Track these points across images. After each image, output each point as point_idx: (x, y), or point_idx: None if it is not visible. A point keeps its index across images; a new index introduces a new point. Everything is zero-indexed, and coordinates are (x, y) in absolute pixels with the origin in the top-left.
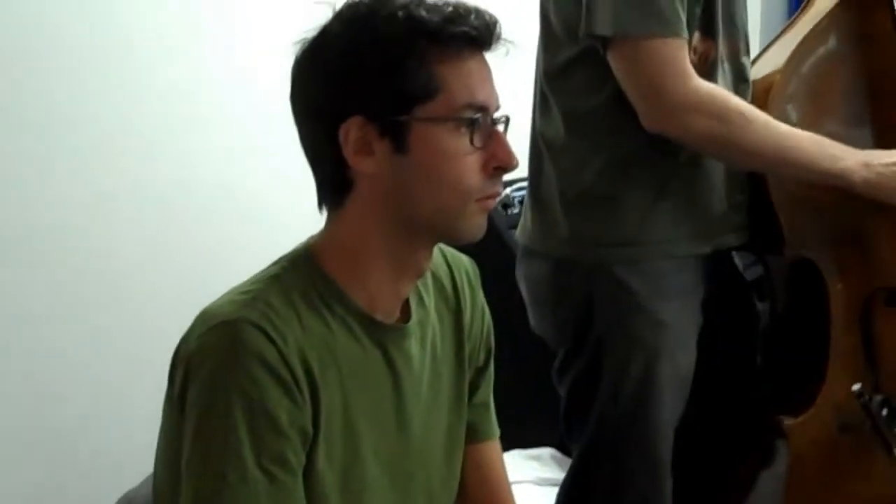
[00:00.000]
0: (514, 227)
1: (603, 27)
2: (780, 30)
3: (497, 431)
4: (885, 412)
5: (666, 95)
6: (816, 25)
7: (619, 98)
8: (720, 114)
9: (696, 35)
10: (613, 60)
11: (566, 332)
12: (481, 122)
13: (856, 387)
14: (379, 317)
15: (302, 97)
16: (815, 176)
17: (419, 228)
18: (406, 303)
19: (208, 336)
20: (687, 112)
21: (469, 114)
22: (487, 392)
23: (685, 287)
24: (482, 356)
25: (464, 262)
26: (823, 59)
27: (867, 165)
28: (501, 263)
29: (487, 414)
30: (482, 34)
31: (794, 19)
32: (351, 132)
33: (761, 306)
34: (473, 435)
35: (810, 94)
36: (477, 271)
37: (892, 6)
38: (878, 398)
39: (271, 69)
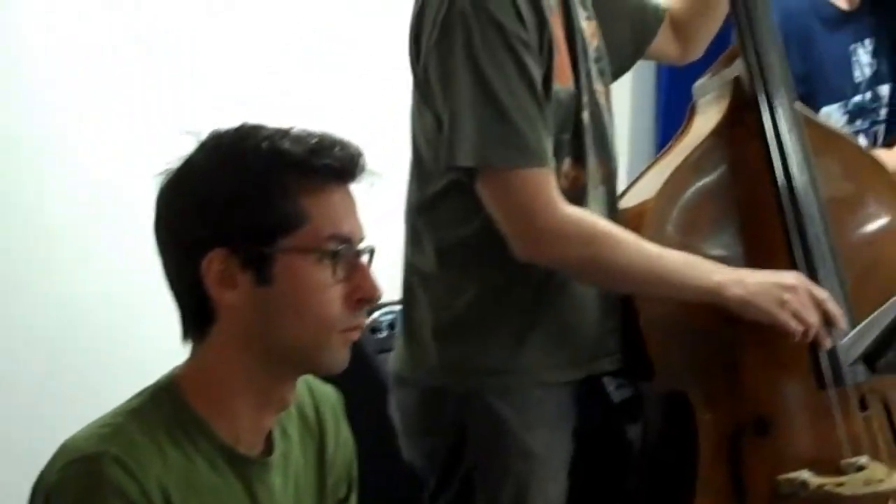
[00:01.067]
0: (383, 351)
1: (465, 159)
2: (648, 155)
3: None
4: None
5: (535, 224)
6: (690, 154)
7: (490, 228)
8: (589, 238)
9: (567, 161)
10: (481, 191)
11: (437, 461)
12: (345, 254)
13: None
14: (242, 449)
15: (165, 227)
16: (688, 293)
17: (283, 360)
18: (269, 434)
19: (68, 470)
20: (557, 239)
21: (333, 245)
22: None
23: (557, 415)
24: (344, 489)
25: (329, 394)
26: (697, 188)
27: (740, 282)
28: (370, 388)
29: None
30: (347, 166)
31: (669, 147)
32: (214, 264)
33: (632, 430)
34: None
35: (683, 222)
36: (342, 403)
37: (766, 137)
38: None
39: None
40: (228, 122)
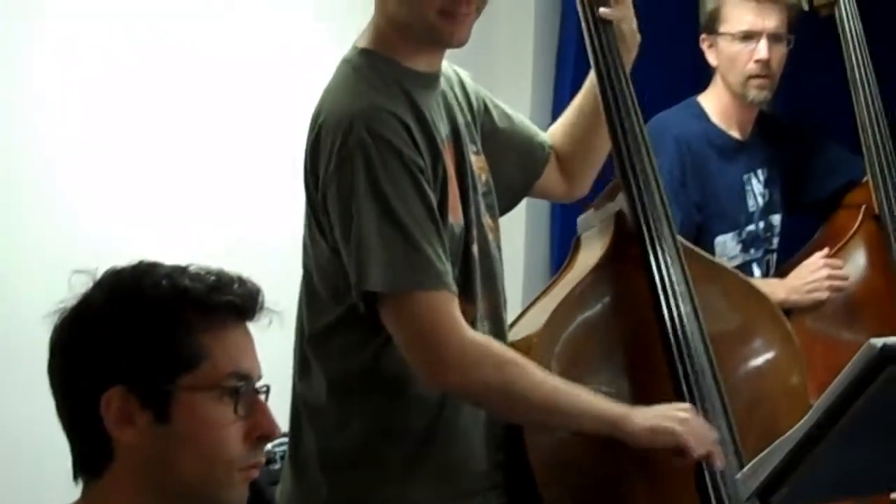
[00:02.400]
0: (276, 482)
1: (375, 284)
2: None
3: None
4: None
5: (442, 348)
6: (574, 289)
7: (381, 360)
8: (497, 363)
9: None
10: (386, 317)
11: None
12: (245, 392)
13: None
14: None
15: (61, 366)
16: (589, 423)
17: (181, 499)
18: None
19: None
20: (465, 363)
21: (233, 383)
22: None
23: None
24: None
25: None
26: (580, 322)
27: (641, 413)
28: None
29: None
30: (246, 304)
31: (555, 281)
32: (112, 402)
33: None
34: None
35: (568, 356)
36: None
37: (649, 270)
38: None
39: None
40: None
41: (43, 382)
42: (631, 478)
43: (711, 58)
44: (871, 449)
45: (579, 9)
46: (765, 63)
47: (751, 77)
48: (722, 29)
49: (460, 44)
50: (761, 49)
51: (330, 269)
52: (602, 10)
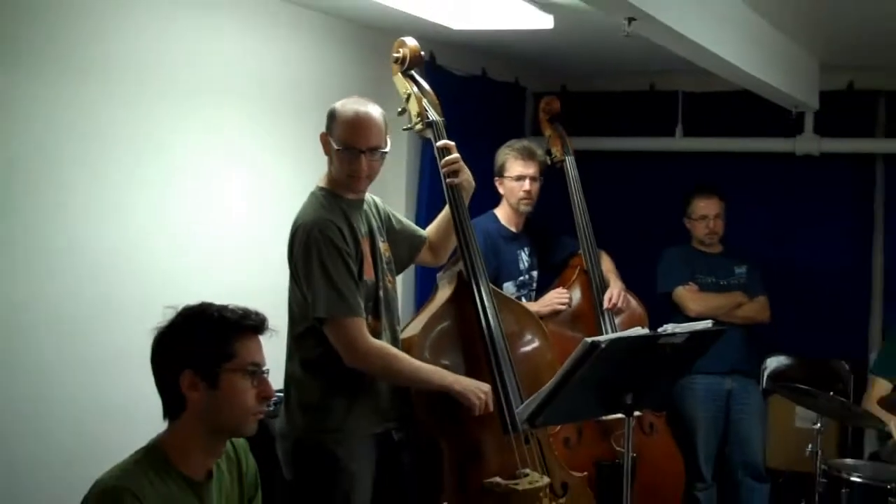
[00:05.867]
0: (273, 416)
1: (320, 312)
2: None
3: None
4: None
5: (356, 349)
6: (435, 312)
7: (328, 352)
8: (385, 356)
9: (370, 317)
10: (326, 330)
11: (301, 478)
12: (257, 373)
13: None
14: (196, 478)
15: (159, 359)
16: (435, 386)
17: (222, 431)
18: (211, 469)
19: (98, 499)
20: (368, 356)
21: (251, 368)
22: None
23: (368, 452)
24: (253, 491)
25: (242, 441)
26: (438, 331)
27: (459, 381)
28: (266, 437)
29: None
30: (259, 325)
31: (422, 308)
32: (185, 378)
33: (407, 457)
34: None
35: (432, 349)
36: (248, 446)
37: (476, 302)
38: None
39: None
40: None
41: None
42: (463, 409)
43: (501, 189)
44: (585, 395)
45: (442, 177)
46: (528, 192)
47: (521, 199)
48: (506, 174)
49: (361, 193)
50: (526, 185)
51: (300, 304)
52: (450, 180)
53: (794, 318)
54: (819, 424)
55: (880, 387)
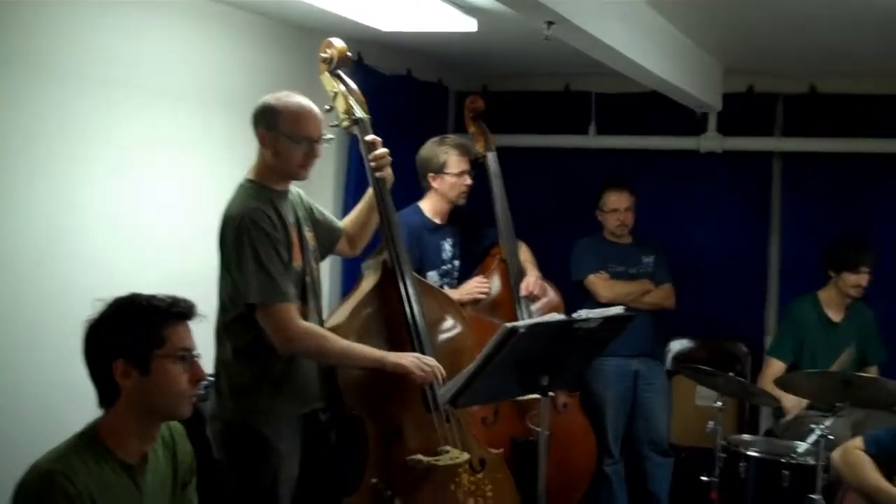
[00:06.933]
0: (204, 400)
1: (252, 298)
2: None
3: None
4: (388, 493)
5: (289, 333)
6: (361, 299)
7: (257, 339)
8: (316, 337)
9: (299, 302)
10: (258, 316)
11: (231, 458)
12: (188, 357)
13: (374, 480)
14: (131, 462)
15: (91, 349)
16: (365, 363)
17: (155, 415)
18: (146, 453)
19: (33, 482)
20: (300, 338)
21: (182, 353)
22: None
23: (295, 432)
24: (188, 475)
25: (177, 424)
26: (364, 314)
27: (388, 356)
28: (199, 419)
29: None
30: (188, 311)
31: (349, 295)
32: (118, 367)
33: (332, 435)
34: None
35: (360, 331)
36: (184, 428)
37: (400, 288)
38: (387, 490)
39: None
40: None
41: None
42: (389, 391)
43: (436, 184)
44: (503, 377)
45: (366, 158)
46: (469, 186)
47: (462, 193)
48: (446, 171)
49: (306, 179)
50: (468, 180)
51: (230, 290)
52: (378, 173)
53: (697, 303)
54: (719, 403)
55: (775, 367)
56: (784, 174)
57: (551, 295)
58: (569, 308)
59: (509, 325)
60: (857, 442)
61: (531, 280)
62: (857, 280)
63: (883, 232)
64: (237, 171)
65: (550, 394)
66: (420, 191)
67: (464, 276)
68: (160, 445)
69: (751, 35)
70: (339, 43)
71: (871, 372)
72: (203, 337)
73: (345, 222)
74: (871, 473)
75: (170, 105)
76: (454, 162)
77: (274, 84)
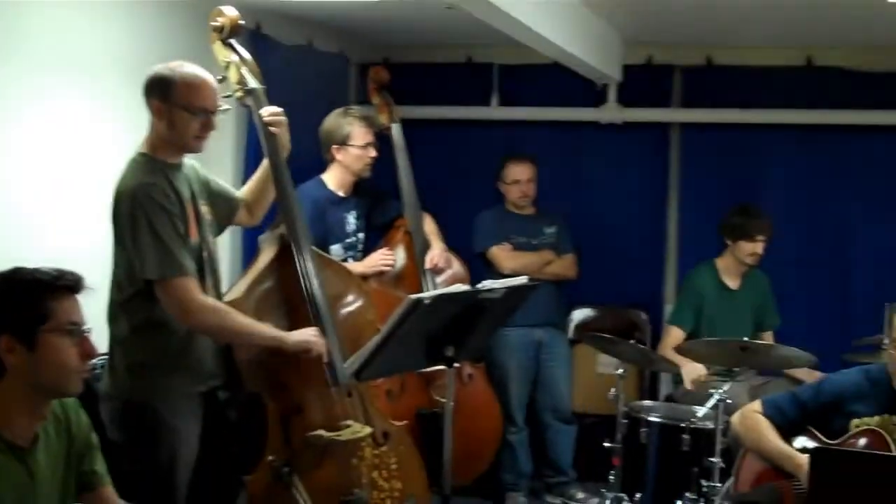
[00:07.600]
0: (98, 380)
1: (150, 274)
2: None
3: (108, 480)
4: (286, 470)
5: (189, 307)
6: (258, 274)
7: (152, 317)
8: (218, 312)
9: (196, 277)
10: (157, 291)
11: (127, 438)
12: (77, 332)
13: (271, 457)
14: (20, 443)
15: None
16: (265, 342)
17: (44, 391)
18: (36, 435)
19: None
20: (201, 313)
21: (70, 327)
22: None
23: (192, 410)
24: (85, 450)
25: (71, 400)
26: (261, 290)
27: (292, 333)
28: (91, 396)
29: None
30: (75, 284)
31: (247, 270)
32: (2, 343)
33: (231, 414)
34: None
35: (256, 307)
36: (79, 403)
37: (297, 263)
38: (285, 467)
39: None
40: None
41: None
42: (288, 368)
43: (339, 156)
44: (409, 349)
45: (259, 128)
46: (374, 158)
47: (367, 165)
48: (351, 142)
49: (201, 151)
50: (372, 152)
51: (126, 266)
52: (272, 129)
53: (598, 273)
54: (620, 370)
55: (675, 335)
56: (682, 145)
57: (456, 267)
58: (473, 280)
59: (414, 296)
60: (756, 405)
61: (436, 252)
62: (752, 248)
63: (777, 200)
64: (130, 142)
65: (456, 365)
66: (321, 164)
67: (368, 248)
68: (51, 422)
69: (649, 7)
70: (230, 11)
71: (767, 338)
72: (95, 314)
73: (243, 191)
74: (770, 435)
75: (57, 75)
76: (359, 134)
77: (167, 54)
